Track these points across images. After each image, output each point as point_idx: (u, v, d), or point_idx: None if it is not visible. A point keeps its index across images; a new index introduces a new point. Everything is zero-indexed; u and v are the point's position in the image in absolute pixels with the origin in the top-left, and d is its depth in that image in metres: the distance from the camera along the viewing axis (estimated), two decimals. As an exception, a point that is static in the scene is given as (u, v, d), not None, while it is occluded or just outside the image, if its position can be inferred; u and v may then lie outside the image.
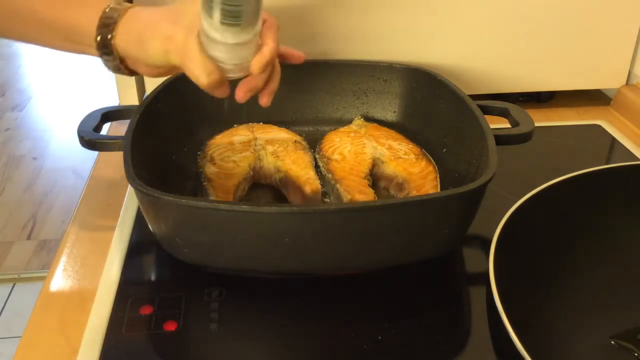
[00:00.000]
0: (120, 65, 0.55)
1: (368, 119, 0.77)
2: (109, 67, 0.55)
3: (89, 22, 0.53)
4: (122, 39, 0.52)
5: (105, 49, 0.53)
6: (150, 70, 0.55)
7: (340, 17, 0.78)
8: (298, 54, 0.57)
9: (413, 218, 0.52)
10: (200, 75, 0.50)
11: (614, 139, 0.79)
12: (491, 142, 0.58)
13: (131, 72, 0.56)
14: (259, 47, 0.51)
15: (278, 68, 0.55)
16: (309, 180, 0.64)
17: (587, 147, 0.79)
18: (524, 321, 0.44)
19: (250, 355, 0.50)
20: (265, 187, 0.68)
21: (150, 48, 0.51)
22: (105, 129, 0.69)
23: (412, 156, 0.68)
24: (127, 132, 0.59)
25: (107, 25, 0.52)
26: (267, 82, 0.54)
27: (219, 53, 0.50)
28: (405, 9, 0.78)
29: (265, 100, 0.55)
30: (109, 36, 0.52)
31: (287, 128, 0.75)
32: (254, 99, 0.54)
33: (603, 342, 0.51)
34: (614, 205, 0.59)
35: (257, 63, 0.51)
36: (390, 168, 0.67)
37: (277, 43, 0.52)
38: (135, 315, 0.52)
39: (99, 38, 0.52)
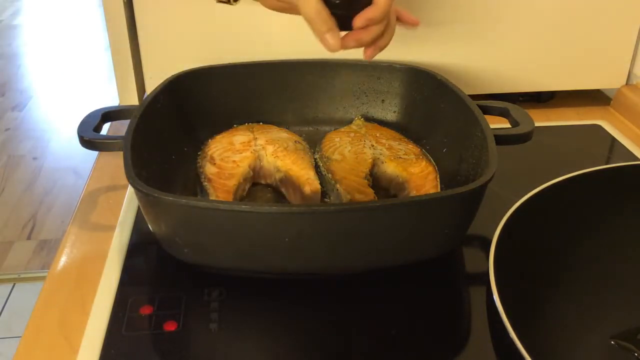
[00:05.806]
0: None
1: (368, 119, 0.77)
2: None
3: None
4: None
5: None
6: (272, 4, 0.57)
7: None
8: (414, 19, 0.58)
9: (413, 218, 0.52)
10: (309, 10, 0.51)
11: (614, 139, 0.79)
12: (491, 142, 0.58)
13: None
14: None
15: (393, 25, 0.55)
16: (308, 180, 0.64)
17: (587, 147, 0.79)
18: (524, 321, 0.43)
19: (250, 355, 0.50)
20: (265, 187, 0.68)
21: None
22: (105, 129, 0.69)
23: (412, 156, 0.68)
24: (127, 132, 0.59)
25: None
26: (377, 38, 0.54)
27: None
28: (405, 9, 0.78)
29: (368, 54, 0.56)
30: None
31: (287, 128, 0.75)
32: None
33: (603, 342, 0.51)
34: (614, 205, 0.59)
35: (361, 16, 0.52)
36: (390, 168, 0.67)
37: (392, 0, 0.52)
38: (135, 315, 0.52)
39: None
